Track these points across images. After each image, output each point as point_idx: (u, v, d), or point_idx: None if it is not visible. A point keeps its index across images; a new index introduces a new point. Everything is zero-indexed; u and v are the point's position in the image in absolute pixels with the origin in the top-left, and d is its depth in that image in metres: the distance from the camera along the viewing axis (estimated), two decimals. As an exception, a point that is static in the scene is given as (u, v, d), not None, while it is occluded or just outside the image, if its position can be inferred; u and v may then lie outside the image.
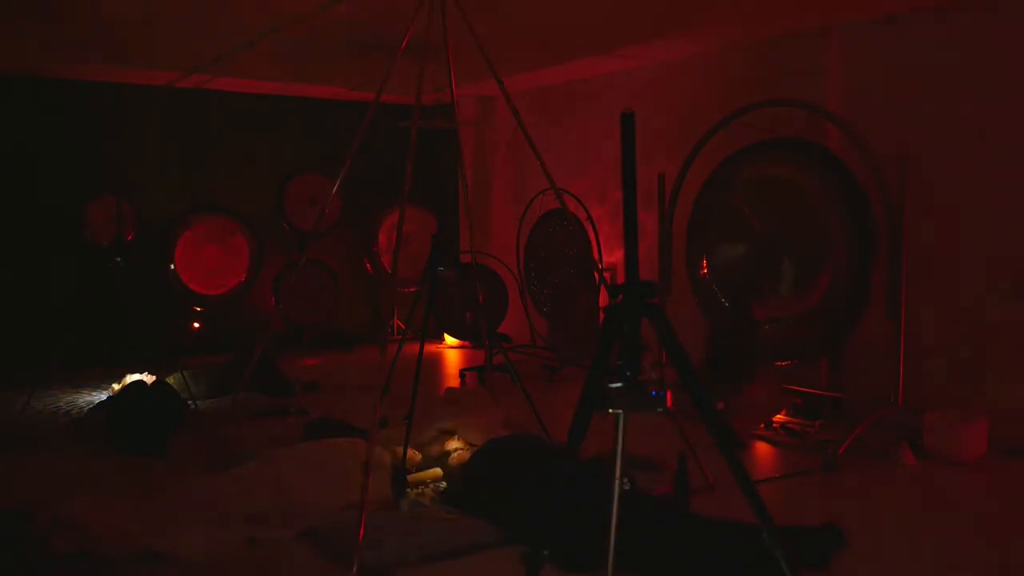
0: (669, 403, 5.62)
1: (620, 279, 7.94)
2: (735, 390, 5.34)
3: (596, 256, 7.90)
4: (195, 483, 4.38)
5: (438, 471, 4.70)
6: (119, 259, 6.70)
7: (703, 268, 6.39)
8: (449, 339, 9.52)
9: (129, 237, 8.09)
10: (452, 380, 7.63)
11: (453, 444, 4.84)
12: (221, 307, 8.87)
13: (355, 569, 3.42)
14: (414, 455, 4.73)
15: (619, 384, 2.04)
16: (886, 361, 5.26)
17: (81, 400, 6.75)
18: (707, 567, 3.42)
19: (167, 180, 8.74)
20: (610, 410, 2.07)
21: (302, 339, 9.13)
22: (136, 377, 6.71)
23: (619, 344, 2.06)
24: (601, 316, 7.62)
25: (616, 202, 8.14)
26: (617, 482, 2.11)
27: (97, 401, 6.48)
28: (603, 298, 7.75)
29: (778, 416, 5.86)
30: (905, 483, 4.74)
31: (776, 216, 5.92)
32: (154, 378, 6.61)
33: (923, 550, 3.78)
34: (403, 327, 6.60)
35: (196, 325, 8.82)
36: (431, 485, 4.58)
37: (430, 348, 8.26)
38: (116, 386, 6.71)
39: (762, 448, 5.43)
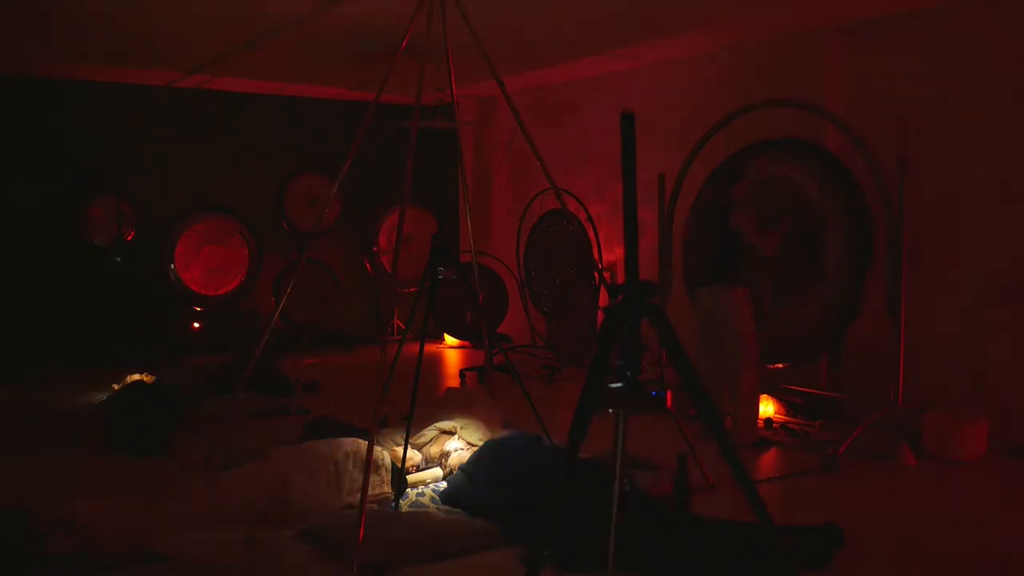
0: (669, 403, 5.61)
1: (620, 279, 7.94)
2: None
3: (596, 256, 7.89)
4: (195, 483, 4.38)
5: (438, 471, 4.71)
6: (119, 259, 6.70)
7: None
8: (449, 339, 9.52)
9: (129, 237, 8.09)
10: (452, 380, 7.63)
11: (453, 444, 4.84)
12: (221, 307, 8.86)
13: (355, 569, 3.42)
14: (414, 455, 4.72)
15: (619, 384, 2.03)
16: (886, 361, 5.26)
17: (81, 400, 6.74)
18: (707, 568, 3.41)
19: (167, 180, 8.74)
20: (610, 410, 2.06)
21: (302, 339, 9.13)
22: (136, 377, 6.70)
23: (619, 344, 2.05)
24: (600, 316, 7.61)
25: (616, 200, 8.13)
26: (617, 482, 2.10)
27: (97, 401, 6.48)
28: (603, 298, 7.74)
29: (777, 416, 5.87)
30: (905, 483, 4.74)
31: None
32: (154, 378, 6.60)
33: (923, 550, 3.78)
34: (403, 327, 6.60)
35: (196, 325, 8.82)
36: (431, 485, 4.58)
37: (430, 348, 8.25)
38: (116, 386, 6.70)
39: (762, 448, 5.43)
